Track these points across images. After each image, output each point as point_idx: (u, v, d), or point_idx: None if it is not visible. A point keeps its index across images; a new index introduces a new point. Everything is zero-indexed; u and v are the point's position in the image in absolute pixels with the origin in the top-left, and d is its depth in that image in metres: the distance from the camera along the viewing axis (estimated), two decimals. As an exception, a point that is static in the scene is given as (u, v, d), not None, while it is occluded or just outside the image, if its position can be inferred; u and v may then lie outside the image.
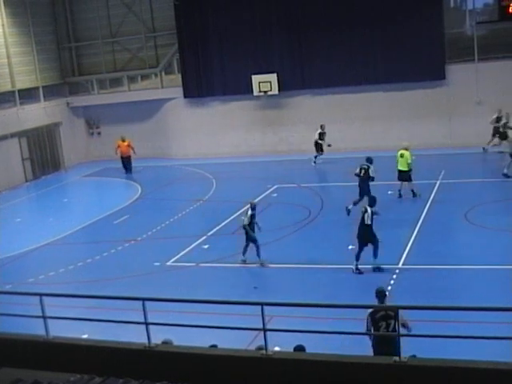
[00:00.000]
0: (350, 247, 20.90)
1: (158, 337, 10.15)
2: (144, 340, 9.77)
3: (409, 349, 9.18)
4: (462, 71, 34.23)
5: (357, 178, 24.46)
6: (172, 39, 38.76)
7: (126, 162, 35.85)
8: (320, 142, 33.31)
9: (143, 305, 9.79)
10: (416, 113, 34.68)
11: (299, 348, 10.80)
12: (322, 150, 33.39)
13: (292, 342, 10.99)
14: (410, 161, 25.52)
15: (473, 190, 26.35)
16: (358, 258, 19.02)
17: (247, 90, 36.52)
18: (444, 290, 17.30)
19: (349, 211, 23.78)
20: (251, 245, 20.37)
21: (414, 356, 9.34)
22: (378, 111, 35.25)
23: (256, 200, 27.41)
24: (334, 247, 21.33)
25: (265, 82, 36.19)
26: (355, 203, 23.85)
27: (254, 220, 20.40)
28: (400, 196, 25.97)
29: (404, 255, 20.00)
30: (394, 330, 11.63)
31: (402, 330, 11.37)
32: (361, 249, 19.05)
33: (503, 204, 24.27)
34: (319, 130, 33.32)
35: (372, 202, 19.64)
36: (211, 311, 13.47)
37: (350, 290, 17.88)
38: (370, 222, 18.78)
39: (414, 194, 25.77)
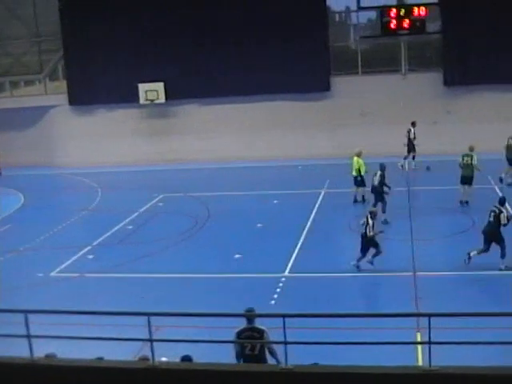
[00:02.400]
0: (237, 256, 21.06)
1: (41, 350, 9.90)
2: (27, 354, 9.50)
3: (298, 356, 9.29)
4: (347, 83, 35.14)
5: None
6: (57, 45, 37.95)
7: None
8: (414, 141, 31.36)
9: (25, 318, 9.52)
10: (302, 123, 35.27)
11: (186, 358, 10.76)
12: (415, 151, 31.27)
13: (179, 352, 10.95)
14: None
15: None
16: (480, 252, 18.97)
17: (134, 98, 36.14)
18: (330, 297, 17.63)
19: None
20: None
21: (317, 364, 9.50)
22: (265, 122, 35.63)
23: (142, 209, 27.29)
24: (221, 256, 21.40)
25: (152, 90, 35.94)
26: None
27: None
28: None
29: (290, 263, 20.26)
30: (260, 351, 11.51)
31: (270, 357, 11.48)
32: (486, 247, 19.02)
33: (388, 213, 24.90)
34: (413, 129, 31.42)
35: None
36: (97, 323, 13.22)
37: (237, 298, 17.92)
38: (506, 222, 18.71)
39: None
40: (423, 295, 17.26)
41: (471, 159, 25.08)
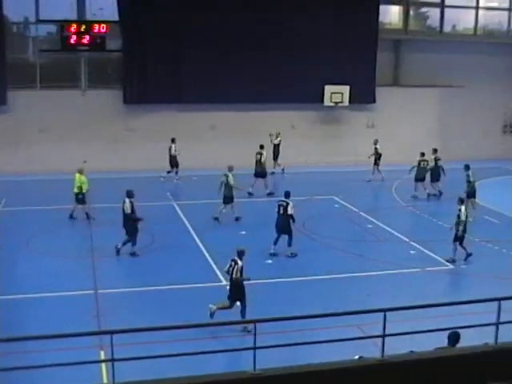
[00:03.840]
0: None
1: None
2: None
3: None
4: (25, 98, 33.89)
5: None
6: None
7: None
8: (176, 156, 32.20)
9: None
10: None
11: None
12: (177, 166, 32.30)
13: None
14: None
15: (34, 218, 26.16)
16: (275, 243, 21.80)
17: None
18: (15, 320, 16.77)
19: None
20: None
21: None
22: None
23: None
24: None
25: None
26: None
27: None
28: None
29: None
30: None
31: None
32: (278, 236, 21.76)
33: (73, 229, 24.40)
34: (173, 145, 32.03)
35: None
36: None
37: None
38: (292, 212, 21.31)
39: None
40: (104, 312, 17.20)
41: (227, 178, 25.75)
